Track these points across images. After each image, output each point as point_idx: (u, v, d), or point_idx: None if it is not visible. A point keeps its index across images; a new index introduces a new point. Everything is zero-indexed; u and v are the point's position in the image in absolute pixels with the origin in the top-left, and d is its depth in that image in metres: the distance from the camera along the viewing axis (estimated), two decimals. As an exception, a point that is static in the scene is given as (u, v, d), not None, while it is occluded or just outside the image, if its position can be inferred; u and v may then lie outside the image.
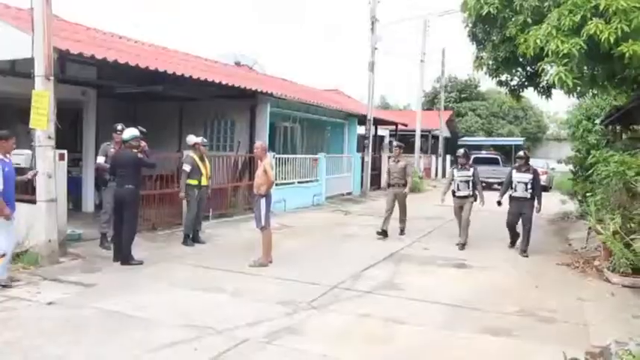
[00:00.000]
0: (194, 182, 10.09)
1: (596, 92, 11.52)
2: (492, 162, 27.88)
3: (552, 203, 16.12)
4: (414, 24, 56.35)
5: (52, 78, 8.16)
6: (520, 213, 10.24)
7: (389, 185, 12.10)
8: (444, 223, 13.38)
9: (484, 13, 9.67)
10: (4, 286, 6.86)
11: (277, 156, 15.33)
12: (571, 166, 16.18)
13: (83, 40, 10.74)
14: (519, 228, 10.48)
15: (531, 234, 10.25)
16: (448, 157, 36.56)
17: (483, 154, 30.23)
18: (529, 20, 9.02)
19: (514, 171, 10.46)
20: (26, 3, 8.37)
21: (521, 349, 5.49)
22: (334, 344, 5.46)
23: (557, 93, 10.42)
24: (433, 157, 35.30)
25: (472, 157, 29.50)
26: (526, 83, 11.62)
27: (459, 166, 10.98)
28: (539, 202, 10.20)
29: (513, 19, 9.45)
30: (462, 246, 10.56)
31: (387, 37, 44.33)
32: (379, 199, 19.79)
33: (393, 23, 27.04)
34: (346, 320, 6.17)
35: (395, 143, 13.12)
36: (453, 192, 10.90)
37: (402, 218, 12.00)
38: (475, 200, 10.76)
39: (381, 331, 5.85)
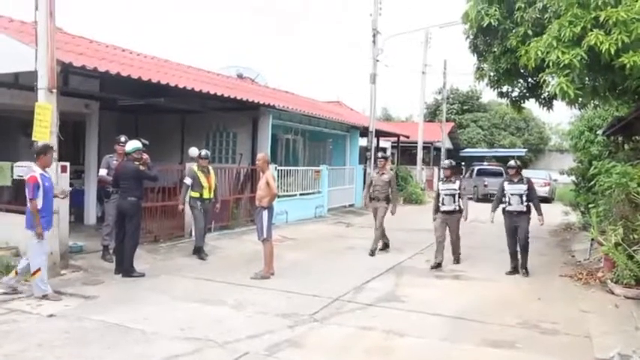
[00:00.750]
0: (196, 194, 10.05)
1: (597, 103, 11.55)
2: (498, 175, 26.94)
3: (554, 214, 16.09)
4: (415, 36, 56.68)
5: (55, 90, 8.20)
6: (515, 228, 9.39)
7: (370, 199, 11.26)
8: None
9: (485, 25, 9.73)
10: (44, 297, 6.96)
11: (279, 168, 15.35)
12: (573, 178, 16.17)
13: (86, 52, 10.79)
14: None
15: (529, 247, 9.53)
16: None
17: (485, 165, 30.11)
18: (530, 32, 9.06)
19: (506, 183, 9.59)
20: (30, 16, 8.44)
21: (524, 361, 5.46)
22: (336, 357, 5.44)
23: (558, 104, 10.39)
24: (435, 169, 35.24)
25: (475, 169, 29.43)
26: (527, 94, 11.64)
27: (444, 179, 10.32)
28: (540, 214, 9.43)
29: (514, 31, 9.50)
30: (437, 265, 9.81)
31: (389, 49, 44.50)
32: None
33: (394, 35, 27.06)
34: (348, 333, 6.14)
35: (380, 154, 12.26)
36: (438, 207, 10.17)
37: (377, 236, 11.05)
38: (462, 216, 10.12)
39: (383, 344, 5.83)
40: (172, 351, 5.33)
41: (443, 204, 10.05)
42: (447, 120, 37.76)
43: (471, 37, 10.83)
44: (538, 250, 12.12)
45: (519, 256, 9.48)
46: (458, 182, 10.16)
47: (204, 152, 10.45)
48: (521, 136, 42.95)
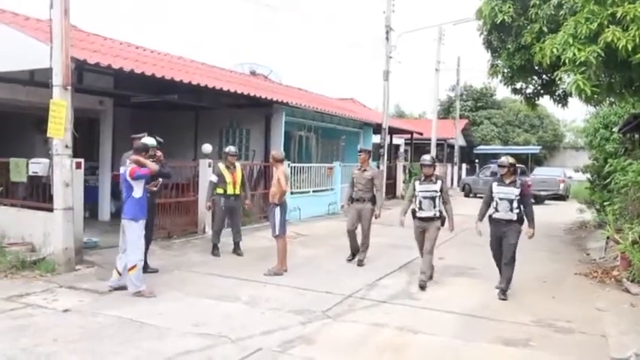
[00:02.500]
0: (220, 191, 9.98)
1: (613, 100, 11.45)
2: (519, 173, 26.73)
3: (569, 212, 15.98)
4: (428, 32, 56.40)
5: (69, 87, 8.27)
6: (501, 238, 7.79)
7: (351, 200, 9.73)
8: (459, 233, 13.28)
9: (499, 21, 9.69)
10: (137, 293, 7.09)
11: (292, 165, 15.35)
12: (588, 175, 16.04)
13: (100, 50, 10.86)
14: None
15: (515, 264, 7.80)
16: (464, 165, 36.40)
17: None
18: (544, 29, 9.01)
19: (495, 184, 7.94)
20: (45, 14, 8.51)
21: (538, 359, 5.42)
22: (348, 354, 5.44)
23: (573, 101, 10.31)
24: (449, 166, 35.16)
25: (491, 166, 28.81)
26: (542, 91, 11.58)
27: (422, 177, 8.38)
28: (532, 225, 7.76)
29: (529, 28, 9.44)
30: (430, 277, 8.41)
31: (402, 45, 44.29)
32: (394, 208, 19.72)
33: (407, 32, 26.97)
34: (360, 329, 6.14)
35: (359, 147, 10.59)
36: (414, 212, 8.37)
37: (364, 243, 9.67)
38: (443, 224, 8.34)
39: (395, 341, 5.81)
40: (186, 346, 5.36)
41: (421, 208, 8.26)
42: (461, 117, 37.65)
43: (485, 33, 10.79)
44: (552, 247, 12.07)
45: (502, 270, 7.90)
46: (440, 182, 8.31)
47: (232, 149, 10.38)
48: (536, 134, 42.65)
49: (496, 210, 7.81)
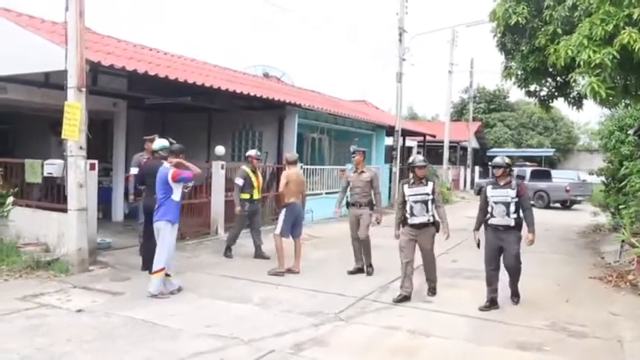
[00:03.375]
0: (246, 196, 9.83)
1: (629, 102, 11.33)
2: (543, 176, 24.93)
3: (583, 215, 15.85)
4: (441, 34, 56.28)
5: (84, 89, 8.33)
6: (500, 248, 7.21)
7: (347, 205, 9.04)
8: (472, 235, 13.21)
9: (513, 23, 9.63)
10: (154, 296, 7.13)
11: (305, 167, 15.35)
12: (603, 178, 15.90)
13: (114, 52, 10.93)
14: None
15: (519, 276, 7.40)
16: (477, 168, 36.23)
17: (529, 166, 27.87)
18: (559, 30, 8.94)
19: (489, 187, 7.31)
20: (60, 17, 8.58)
21: (552, 364, 5.38)
22: (360, 356, 5.43)
23: (588, 103, 10.21)
24: (462, 169, 35.03)
25: (516, 170, 27.40)
26: (556, 94, 11.49)
27: (411, 180, 7.64)
28: (532, 230, 7.13)
29: (543, 29, 9.38)
30: (404, 298, 7.40)
31: (415, 47, 44.23)
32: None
33: (421, 34, 26.91)
34: (373, 332, 6.12)
35: (352, 148, 9.49)
36: (405, 218, 7.57)
37: (366, 253, 8.96)
38: (437, 230, 7.62)
39: (408, 344, 5.79)
40: (198, 348, 5.37)
41: (412, 214, 7.47)
42: (474, 119, 37.52)
43: (499, 35, 10.73)
44: (566, 251, 11.98)
45: (507, 282, 7.43)
46: (431, 184, 7.58)
47: (256, 152, 10.31)
48: (549, 136, 42.42)
49: (492, 215, 7.19)
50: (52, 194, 9.53)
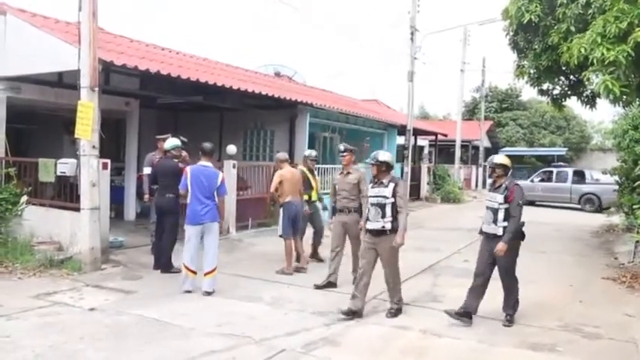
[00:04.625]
0: (304, 197, 9.39)
1: (643, 101, 11.19)
2: (583, 177, 23.29)
3: (596, 215, 15.72)
4: (453, 33, 56.05)
5: (96, 89, 8.39)
6: (491, 258, 6.46)
7: (334, 211, 8.10)
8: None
9: (525, 21, 9.57)
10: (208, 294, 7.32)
11: (316, 166, 15.33)
12: (616, 177, 15.75)
13: (126, 51, 10.99)
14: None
15: (515, 293, 6.62)
16: (488, 167, 36.02)
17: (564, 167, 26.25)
18: (572, 28, 8.87)
19: (488, 188, 6.79)
20: (74, 17, 8.64)
21: (565, 365, 5.34)
22: (372, 356, 5.42)
23: (601, 102, 10.12)
24: (473, 168, 34.87)
25: (554, 170, 24.37)
26: (569, 92, 11.41)
27: (374, 180, 6.73)
28: (505, 239, 6.20)
29: (556, 27, 9.30)
30: (352, 313, 6.48)
31: (427, 46, 44.09)
32: (418, 210, 19.65)
33: (432, 33, 26.70)
34: (384, 332, 6.11)
35: (342, 146, 8.44)
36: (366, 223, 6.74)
37: (357, 265, 7.54)
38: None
39: (419, 344, 5.78)
40: (210, 347, 5.39)
41: (367, 218, 6.66)
42: (486, 118, 37.31)
43: (511, 33, 10.67)
44: (579, 251, 11.89)
45: (504, 295, 6.63)
46: (392, 186, 6.52)
47: (314, 153, 10.10)
48: (562, 135, 42.03)
49: (484, 220, 6.59)
50: (65, 193, 9.59)
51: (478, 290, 6.53)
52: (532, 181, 24.08)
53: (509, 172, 6.58)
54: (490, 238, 6.44)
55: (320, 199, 10.26)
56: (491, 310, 6.99)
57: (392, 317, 6.54)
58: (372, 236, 6.59)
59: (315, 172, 10.05)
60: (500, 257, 6.30)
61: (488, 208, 6.46)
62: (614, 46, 7.68)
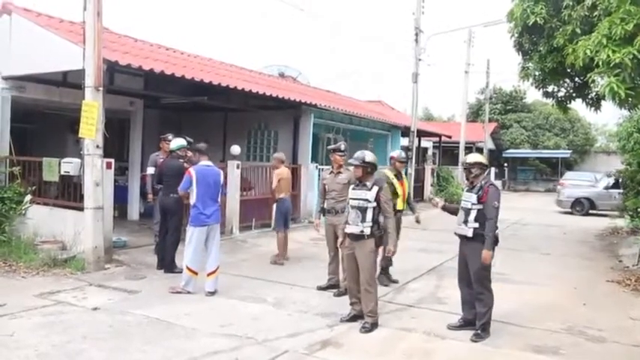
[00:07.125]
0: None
1: (648, 103, 11.15)
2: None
3: (601, 218, 15.67)
4: (458, 35, 56.01)
5: (101, 88, 8.39)
6: (464, 259, 6.19)
7: (323, 212, 7.86)
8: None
9: (530, 23, 9.56)
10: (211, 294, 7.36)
11: (320, 167, 15.34)
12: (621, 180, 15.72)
13: (131, 51, 11.00)
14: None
15: (486, 302, 6.06)
16: (492, 169, 35.98)
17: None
18: (578, 30, 8.84)
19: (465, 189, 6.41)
20: (78, 16, 8.65)
21: (569, 368, 5.31)
22: (375, 358, 5.40)
23: (606, 104, 10.07)
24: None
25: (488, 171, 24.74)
26: (574, 94, 11.38)
27: (355, 182, 6.44)
28: (488, 246, 5.83)
29: (561, 29, 9.28)
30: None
31: (431, 48, 44.02)
32: (422, 211, 19.58)
33: (437, 34, 26.63)
34: (388, 334, 6.08)
35: (333, 145, 8.27)
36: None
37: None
38: (378, 245, 6.21)
39: (423, 346, 5.75)
40: (212, 347, 5.38)
41: (347, 221, 6.29)
42: (490, 120, 37.25)
43: (516, 35, 10.64)
44: (583, 254, 11.84)
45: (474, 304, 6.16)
46: (375, 189, 6.16)
47: (403, 153, 8.81)
48: (566, 137, 41.93)
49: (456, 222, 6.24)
50: (69, 193, 9.61)
51: (467, 300, 6.28)
52: (607, 189, 20.33)
53: (487, 171, 6.29)
54: (462, 240, 6.17)
55: (412, 209, 8.71)
56: (495, 312, 6.97)
57: (366, 332, 5.99)
58: (351, 240, 6.24)
59: (404, 176, 8.51)
60: (472, 260, 5.99)
61: (462, 208, 6.13)
62: (620, 48, 7.63)
